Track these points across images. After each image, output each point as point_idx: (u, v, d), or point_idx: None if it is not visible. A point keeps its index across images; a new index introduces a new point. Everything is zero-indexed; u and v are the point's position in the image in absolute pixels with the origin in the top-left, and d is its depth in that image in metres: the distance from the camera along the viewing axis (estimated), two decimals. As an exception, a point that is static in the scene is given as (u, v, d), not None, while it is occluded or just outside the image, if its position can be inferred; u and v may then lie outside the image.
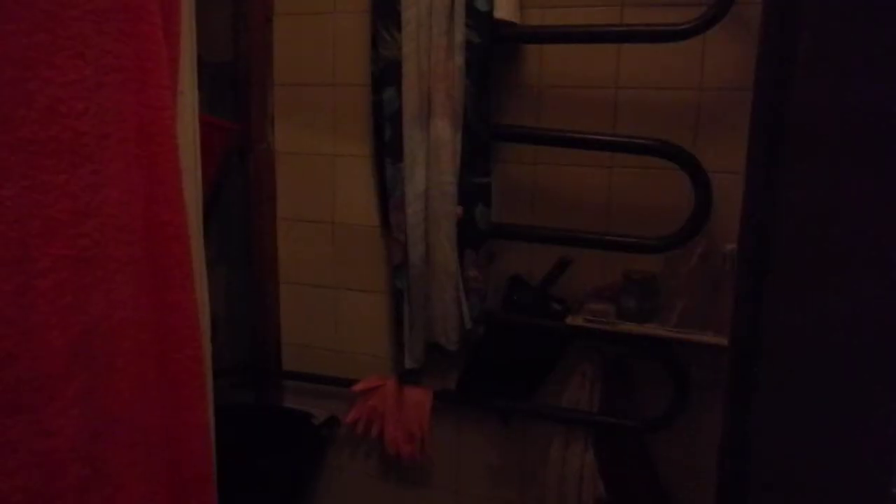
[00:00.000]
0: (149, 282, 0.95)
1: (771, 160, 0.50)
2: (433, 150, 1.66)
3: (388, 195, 1.76)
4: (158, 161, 0.96)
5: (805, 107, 0.47)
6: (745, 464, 0.54)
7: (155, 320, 0.96)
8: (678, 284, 1.63)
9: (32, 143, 0.77)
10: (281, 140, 1.96)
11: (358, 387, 1.88)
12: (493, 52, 1.62)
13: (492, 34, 1.59)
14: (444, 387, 1.87)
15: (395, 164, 1.72)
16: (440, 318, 1.73)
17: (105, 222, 0.87)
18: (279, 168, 1.98)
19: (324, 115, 1.91)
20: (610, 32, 1.58)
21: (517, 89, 1.71)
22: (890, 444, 0.47)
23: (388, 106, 1.70)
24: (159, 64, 0.95)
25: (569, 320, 1.65)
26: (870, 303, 0.47)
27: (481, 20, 1.58)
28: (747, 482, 0.54)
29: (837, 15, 0.46)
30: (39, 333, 0.78)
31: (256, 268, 2.03)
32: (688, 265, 1.62)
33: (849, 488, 0.50)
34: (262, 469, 1.82)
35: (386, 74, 1.69)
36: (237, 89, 1.93)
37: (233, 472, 1.84)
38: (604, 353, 1.73)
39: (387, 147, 1.73)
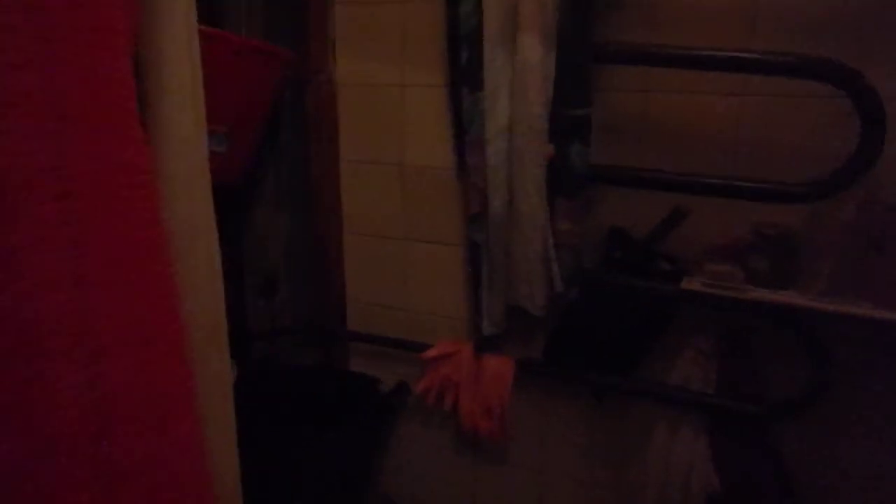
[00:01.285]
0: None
1: None
2: (519, 76, 1.36)
3: (464, 131, 1.49)
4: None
5: None
6: None
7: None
8: (826, 243, 1.29)
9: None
10: (342, 69, 1.70)
11: (430, 353, 1.65)
12: (596, -51, 1.30)
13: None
14: (528, 355, 1.61)
15: (472, 94, 1.44)
16: (524, 278, 1.46)
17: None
18: (341, 102, 1.73)
19: (391, 38, 1.63)
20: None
21: (624, -2, 1.39)
22: None
23: (466, 22, 1.41)
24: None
25: (683, 284, 1.35)
26: None
27: None
28: None
29: None
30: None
31: (318, 216, 1.81)
32: (839, 219, 1.28)
33: None
34: (326, 439, 1.63)
35: (462, -16, 1.40)
36: (293, 10, 1.67)
37: (294, 442, 1.67)
38: (724, 323, 1.43)
39: (463, 73, 1.45)
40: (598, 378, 1.56)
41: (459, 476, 1.83)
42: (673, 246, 1.43)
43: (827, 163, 1.24)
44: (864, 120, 1.16)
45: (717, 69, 1.31)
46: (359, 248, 1.82)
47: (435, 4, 1.53)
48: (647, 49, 1.33)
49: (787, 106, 1.32)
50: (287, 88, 1.71)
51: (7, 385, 0.62)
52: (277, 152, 1.80)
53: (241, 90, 1.52)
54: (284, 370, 1.88)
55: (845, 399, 1.38)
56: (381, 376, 1.79)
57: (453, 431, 1.80)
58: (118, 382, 0.71)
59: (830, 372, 1.35)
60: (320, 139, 1.74)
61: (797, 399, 1.39)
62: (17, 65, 0.62)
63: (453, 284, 1.69)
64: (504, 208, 1.46)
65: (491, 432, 1.62)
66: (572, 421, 1.66)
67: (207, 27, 1.40)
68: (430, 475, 1.86)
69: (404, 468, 1.89)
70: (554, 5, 1.31)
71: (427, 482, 1.87)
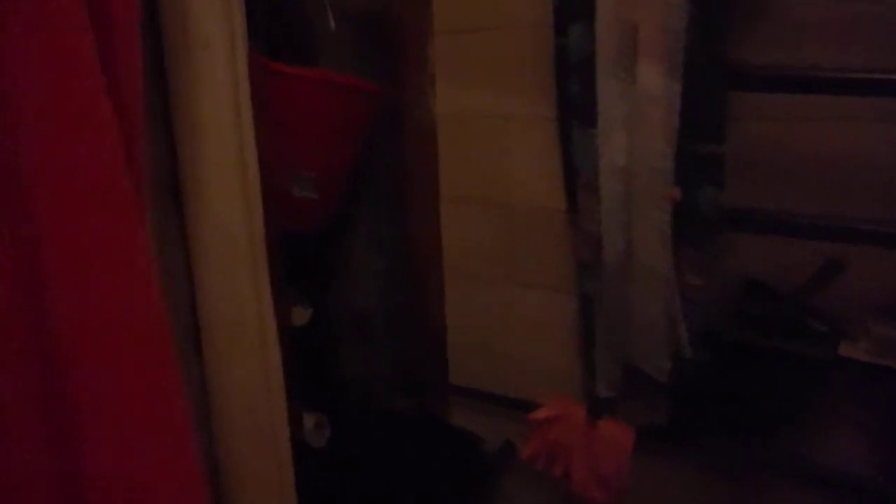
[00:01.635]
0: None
1: None
2: (639, 109, 1.19)
3: (576, 170, 1.33)
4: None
5: None
6: None
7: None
8: None
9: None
10: (442, 102, 1.58)
11: (538, 415, 1.49)
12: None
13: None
14: (650, 420, 1.42)
15: (585, 129, 1.28)
16: (644, 338, 1.28)
17: None
18: (441, 137, 1.60)
19: (494, 68, 1.49)
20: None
21: (764, 11, 1.19)
22: None
23: (576, 49, 1.25)
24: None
25: (842, 350, 1.14)
26: None
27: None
28: None
29: None
30: None
31: (417, 257, 1.69)
32: None
33: None
34: (422, 497, 1.50)
35: (572, 5, 1.24)
36: (388, 41, 1.57)
37: (388, 497, 1.56)
38: (891, 395, 1.19)
39: (574, 106, 1.29)
40: (732, 448, 1.35)
41: (570, 545, 1.65)
42: (824, 302, 1.21)
43: None
44: None
45: (879, 94, 1.09)
46: (460, 292, 1.68)
47: (542, 30, 1.38)
48: (796, 73, 1.13)
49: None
50: (382, 124, 1.61)
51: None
52: (373, 190, 1.70)
53: (329, 130, 1.42)
54: (378, 420, 1.77)
55: None
56: (482, 429, 1.65)
57: (563, 499, 1.63)
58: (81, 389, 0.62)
59: None
60: (419, 175, 1.63)
61: None
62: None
63: (564, 336, 1.52)
64: (621, 258, 1.28)
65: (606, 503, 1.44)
66: (699, 497, 1.45)
67: (288, 65, 1.32)
68: (538, 542, 1.70)
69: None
70: (680, 25, 1.13)
71: (534, 548, 1.71)
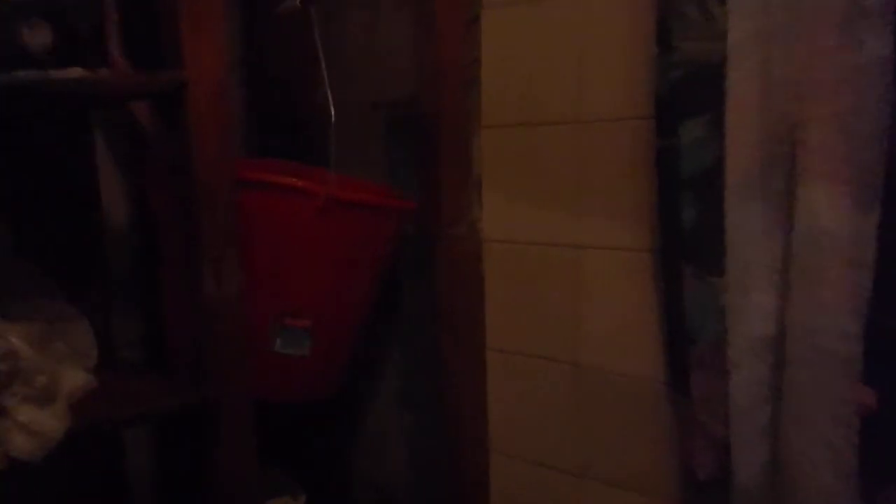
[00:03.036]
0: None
1: None
2: (802, 254, 0.74)
3: (686, 335, 0.87)
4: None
5: None
6: None
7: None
8: None
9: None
10: (490, 220, 1.16)
11: None
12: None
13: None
14: None
15: (703, 276, 0.83)
16: None
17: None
18: (487, 267, 1.18)
19: (562, 176, 1.07)
20: None
21: None
22: None
23: (692, 156, 0.82)
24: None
25: None
26: None
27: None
28: None
29: None
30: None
31: (453, 424, 1.24)
32: None
33: None
34: None
35: (687, 92, 0.81)
36: (420, 139, 1.17)
37: None
38: None
39: (686, 240, 0.85)
40: None
41: None
42: None
43: None
44: None
45: None
46: (510, 475, 1.22)
47: (635, 128, 0.96)
48: None
49: None
50: (411, 249, 1.19)
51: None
52: (397, 335, 1.27)
53: (333, 261, 1.01)
54: None
55: None
56: None
57: None
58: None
59: None
60: (457, 318, 1.19)
61: None
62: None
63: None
64: (763, 479, 0.80)
65: None
66: None
67: (285, 177, 0.93)
68: None
69: None
70: (879, 126, 0.68)
71: None
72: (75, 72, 0.64)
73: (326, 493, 1.39)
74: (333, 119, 1.01)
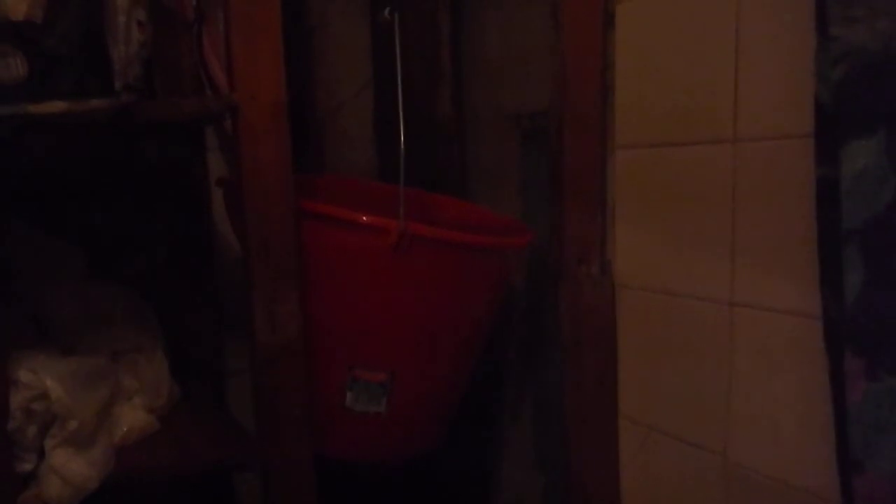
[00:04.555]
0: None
1: None
2: None
3: (848, 455, 0.60)
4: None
5: None
6: None
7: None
8: None
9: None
10: (624, 260, 0.94)
11: None
12: None
13: None
14: None
15: (878, 374, 0.56)
16: None
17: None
18: (620, 317, 0.95)
19: (712, 214, 0.82)
20: None
21: None
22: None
23: (857, 195, 0.55)
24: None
25: None
26: None
27: None
28: None
29: None
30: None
31: (577, 495, 1.03)
32: None
33: None
34: None
35: (852, 99, 0.55)
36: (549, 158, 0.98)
37: None
38: None
39: (851, 318, 0.57)
40: None
41: None
42: None
43: None
44: None
45: None
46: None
47: (796, 148, 0.69)
48: None
49: None
50: (525, 292, 1.01)
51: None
52: (511, 399, 1.09)
53: (415, 306, 0.87)
54: None
55: None
56: None
57: None
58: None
59: None
60: (583, 375, 0.98)
61: None
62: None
63: None
64: None
65: None
66: None
67: (349, 212, 0.81)
68: None
69: None
70: None
71: None
72: (57, 106, 0.57)
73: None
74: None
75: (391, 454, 0.96)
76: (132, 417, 0.83)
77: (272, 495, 0.82)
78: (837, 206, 0.57)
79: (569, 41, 0.94)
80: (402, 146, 0.83)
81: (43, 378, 0.73)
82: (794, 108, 0.70)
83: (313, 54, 1.13)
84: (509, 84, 1.11)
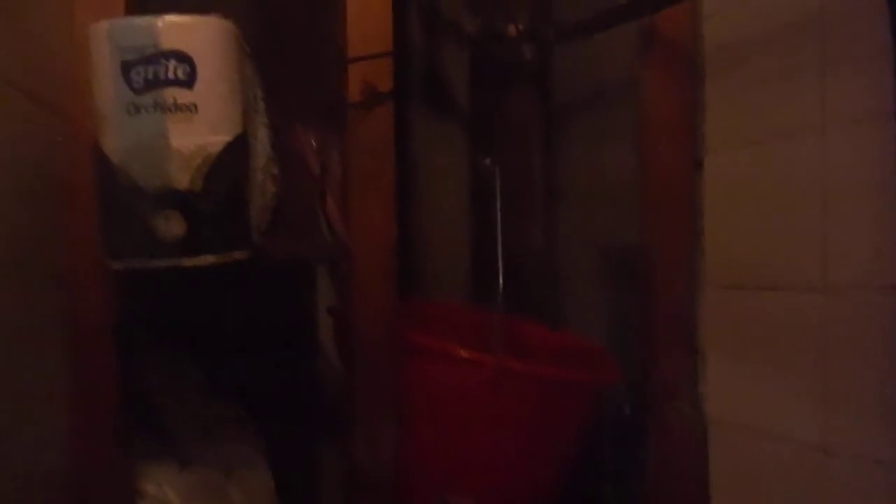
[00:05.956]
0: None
1: None
2: None
3: None
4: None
5: None
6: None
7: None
8: None
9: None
10: (716, 397, 0.95)
11: None
12: None
13: None
14: None
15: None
16: None
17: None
18: (713, 455, 0.95)
19: (803, 356, 0.83)
20: None
21: None
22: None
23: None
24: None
25: None
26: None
27: None
28: None
29: None
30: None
31: None
32: None
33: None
34: None
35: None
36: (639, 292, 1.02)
37: None
38: None
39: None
40: None
41: None
42: None
43: None
44: None
45: None
46: None
47: (889, 302, 0.71)
48: None
49: None
50: (612, 425, 1.03)
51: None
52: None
53: (506, 437, 0.90)
54: None
55: None
56: None
57: None
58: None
59: None
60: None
61: None
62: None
63: None
64: None
65: None
66: None
67: (449, 345, 0.87)
68: None
69: None
70: None
71: None
72: (207, 259, 0.67)
73: None
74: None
75: None
76: (239, 533, 0.88)
77: None
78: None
79: (657, 185, 0.99)
80: (501, 289, 0.88)
81: (166, 490, 0.80)
82: (884, 259, 0.72)
83: (414, 188, 1.22)
84: (599, 219, 1.17)
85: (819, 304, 0.81)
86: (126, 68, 0.69)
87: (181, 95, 0.69)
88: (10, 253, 0.63)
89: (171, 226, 0.67)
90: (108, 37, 0.70)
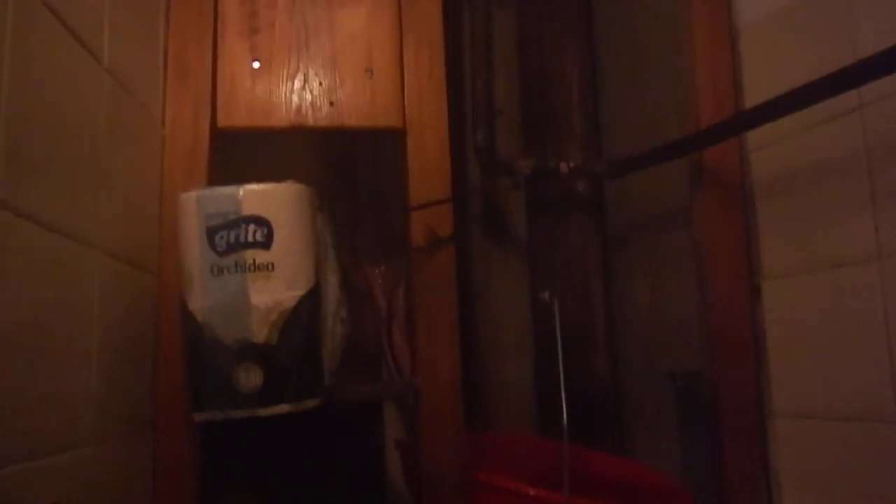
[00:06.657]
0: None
1: None
2: None
3: None
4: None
5: None
6: None
7: None
8: None
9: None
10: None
11: None
12: None
13: None
14: None
15: None
16: None
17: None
18: None
19: (879, 485, 0.80)
20: None
21: None
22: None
23: None
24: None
25: None
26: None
27: None
28: None
29: None
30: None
31: None
32: None
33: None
34: None
35: None
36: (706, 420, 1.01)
37: None
38: None
39: None
40: None
41: None
42: None
43: None
44: None
45: None
46: None
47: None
48: None
49: None
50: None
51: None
52: None
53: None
54: None
55: None
56: None
57: None
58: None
59: None
60: None
61: None
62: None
63: None
64: None
65: None
66: None
67: (516, 483, 0.87)
68: None
69: None
70: None
71: None
72: (282, 408, 0.71)
73: None
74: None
75: None
76: None
77: None
78: None
79: (716, 310, 1.00)
80: (566, 429, 0.89)
81: None
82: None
83: (476, 318, 1.26)
84: (661, 345, 1.17)
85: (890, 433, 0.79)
86: (211, 233, 0.76)
87: (260, 256, 0.75)
88: (108, 404, 0.68)
89: (251, 377, 0.72)
90: (197, 205, 0.78)
